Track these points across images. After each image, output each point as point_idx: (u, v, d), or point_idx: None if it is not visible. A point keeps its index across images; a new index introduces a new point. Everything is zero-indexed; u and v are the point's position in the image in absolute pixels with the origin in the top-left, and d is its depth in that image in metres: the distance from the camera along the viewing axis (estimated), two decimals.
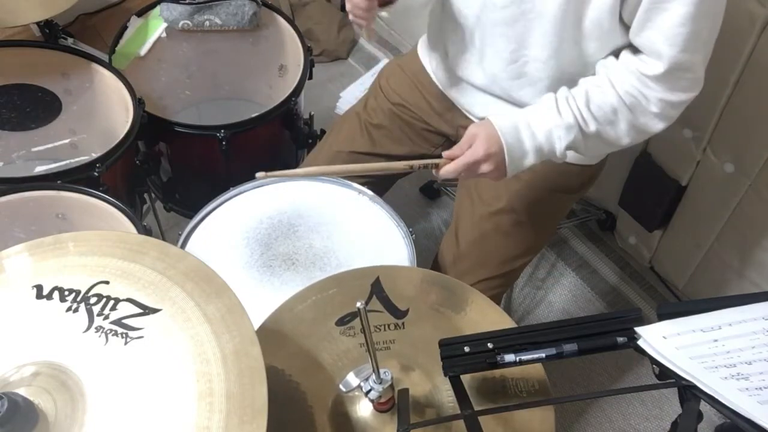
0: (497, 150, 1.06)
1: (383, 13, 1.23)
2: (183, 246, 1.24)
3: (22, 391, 0.72)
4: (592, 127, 1.07)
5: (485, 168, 1.06)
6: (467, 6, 1.18)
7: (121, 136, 1.41)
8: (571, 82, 1.15)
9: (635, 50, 1.06)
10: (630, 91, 1.05)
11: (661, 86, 1.04)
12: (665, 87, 1.04)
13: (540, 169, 1.21)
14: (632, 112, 1.06)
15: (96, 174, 1.34)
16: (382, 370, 0.83)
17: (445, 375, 0.83)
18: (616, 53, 1.11)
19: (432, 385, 0.91)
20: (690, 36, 0.99)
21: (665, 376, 0.74)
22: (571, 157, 1.24)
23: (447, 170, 1.07)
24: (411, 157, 1.44)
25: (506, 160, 1.07)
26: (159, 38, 1.73)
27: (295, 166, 1.74)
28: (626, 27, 1.06)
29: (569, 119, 1.06)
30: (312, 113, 1.71)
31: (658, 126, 1.08)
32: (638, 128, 1.08)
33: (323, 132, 1.68)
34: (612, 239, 2.06)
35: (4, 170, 1.64)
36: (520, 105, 1.21)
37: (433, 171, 1.10)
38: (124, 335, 0.77)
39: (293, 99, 1.57)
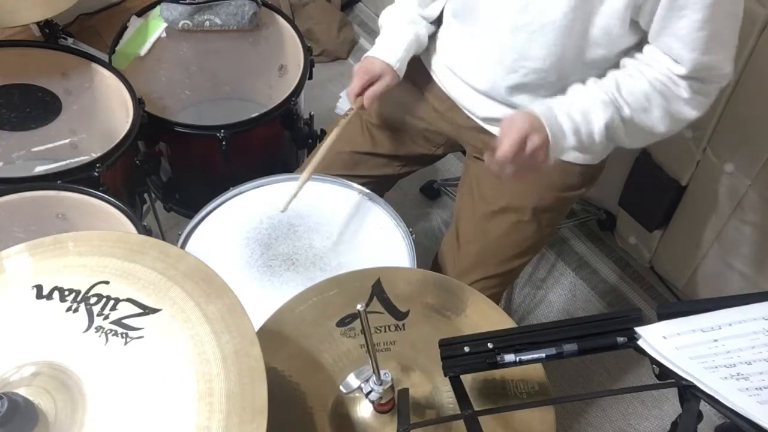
0: (539, 124, 1.03)
1: None
2: (183, 246, 1.23)
3: (22, 391, 0.72)
4: (626, 111, 1.06)
5: (535, 140, 1.01)
6: (470, 14, 1.18)
7: (121, 136, 1.41)
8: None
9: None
10: (659, 78, 1.05)
11: (688, 81, 1.05)
12: (692, 81, 1.05)
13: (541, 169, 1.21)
14: (664, 97, 1.06)
15: (96, 174, 1.34)
16: (382, 371, 0.83)
17: (445, 375, 0.83)
18: (622, 56, 1.11)
19: (432, 385, 0.91)
20: (709, 38, 0.99)
21: (665, 376, 0.74)
22: (573, 156, 1.25)
23: (503, 150, 1.01)
24: (412, 157, 1.45)
25: (548, 134, 1.03)
26: (159, 38, 1.73)
27: (296, 166, 1.74)
28: (635, 30, 1.06)
29: (603, 96, 1.05)
30: (312, 113, 1.71)
31: (692, 113, 1.08)
32: (672, 115, 1.08)
33: (323, 132, 1.68)
34: (612, 239, 2.06)
35: (4, 170, 1.64)
36: (520, 110, 1.21)
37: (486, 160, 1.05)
38: (124, 335, 0.77)
39: (293, 99, 1.57)
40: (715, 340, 0.73)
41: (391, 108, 1.41)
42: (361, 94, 1.25)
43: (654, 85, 1.05)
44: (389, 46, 1.27)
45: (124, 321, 0.78)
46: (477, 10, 1.16)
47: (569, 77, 1.14)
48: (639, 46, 1.10)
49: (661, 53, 1.06)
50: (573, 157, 1.24)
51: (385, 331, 0.98)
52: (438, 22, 1.31)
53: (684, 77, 1.04)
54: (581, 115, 1.06)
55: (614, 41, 1.07)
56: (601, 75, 1.14)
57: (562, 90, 1.16)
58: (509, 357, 0.80)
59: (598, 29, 1.05)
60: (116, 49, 1.66)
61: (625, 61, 1.11)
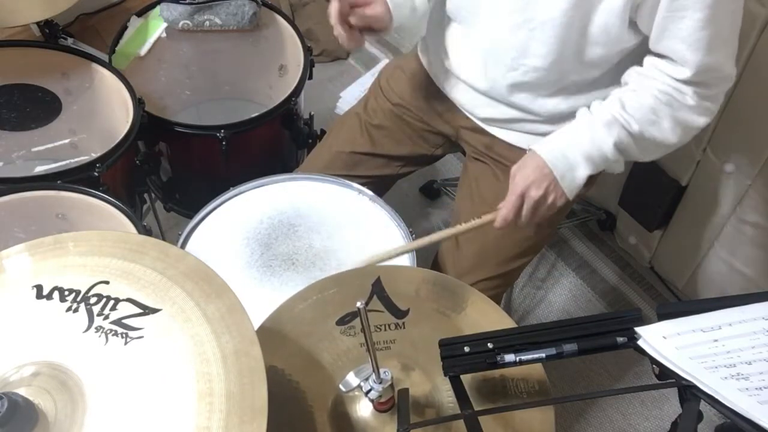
0: (538, 174, 1.07)
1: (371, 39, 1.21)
2: (183, 246, 1.24)
3: (22, 391, 0.72)
4: (635, 126, 1.07)
5: (534, 194, 1.07)
6: (469, 12, 1.18)
7: (121, 136, 1.41)
8: (572, 89, 1.15)
9: (661, 54, 1.06)
10: (663, 89, 1.06)
11: (692, 87, 1.05)
12: (696, 87, 1.05)
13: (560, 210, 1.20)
14: (670, 107, 1.06)
15: (96, 174, 1.34)
16: (382, 370, 0.83)
17: (445, 375, 0.83)
18: (623, 56, 1.11)
19: (432, 385, 0.91)
20: (712, 38, 0.99)
21: (665, 376, 0.74)
22: None
23: (503, 215, 1.08)
24: (411, 158, 1.44)
25: (556, 177, 1.07)
26: (159, 38, 1.73)
27: (296, 166, 1.74)
28: (635, 30, 1.06)
29: (606, 116, 1.07)
30: (312, 113, 1.71)
31: (700, 120, 1.08)
32: (682, 124, 1.08)
33: (323, 132, 1.68)
34: (612, 239, 2.06)
35: (4, 170, 1.64)
36: (520, 109, 1.21)
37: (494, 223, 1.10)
38: (124, 335, 0.77)
39: (293, 99, 1.57)
40: (715, 340, 0.73)
41: (390, 109, 1.41)
42: (346, 15, 1.14)
43: (659, 97, 1.06)
44: None
45: (124, 321, 0.78)
46: (477, 8, 1.16)
47: (569, 76, 1.14)
48: (639, 49, 1.10)
49: (663, 62, 1.06)
50: None
51: (385, 330, 0.98)
52: (437, 14, 1.30)
53: (688, 82, 1.04)
54: (589, 140, 1.08)
55: (613, 40, 1.07)
56: (600, 75, 1.14)
57: (562, 89, 1.16)
58: (509, 357, 0.80)
59: (597, 27, 1.05)
60: (116, 49, 1.66)
61: (627, 78, 1.11)
